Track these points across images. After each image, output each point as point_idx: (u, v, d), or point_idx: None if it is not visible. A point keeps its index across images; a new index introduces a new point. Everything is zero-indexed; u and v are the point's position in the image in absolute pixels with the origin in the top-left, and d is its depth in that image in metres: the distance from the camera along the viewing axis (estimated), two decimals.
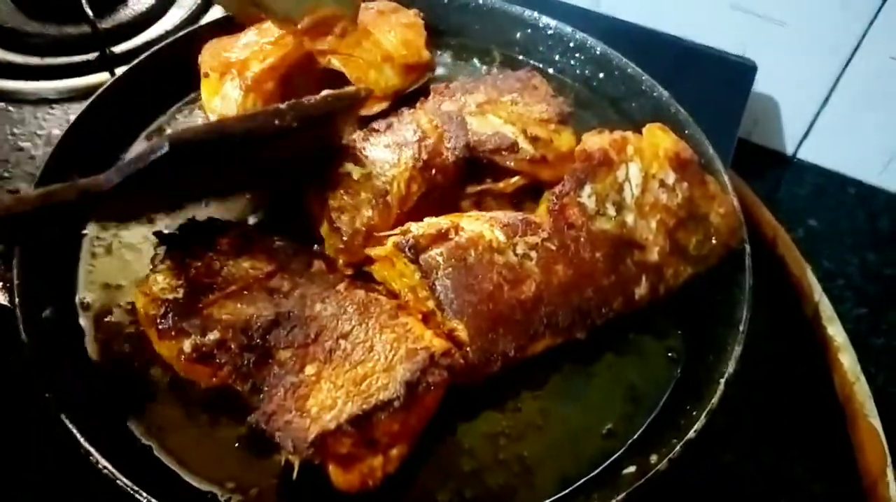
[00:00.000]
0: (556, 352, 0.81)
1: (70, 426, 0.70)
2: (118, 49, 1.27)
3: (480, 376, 0.77)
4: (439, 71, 1.17)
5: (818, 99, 1.28)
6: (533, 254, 0.80)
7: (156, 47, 1.09)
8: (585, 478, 0.75)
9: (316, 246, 0.88)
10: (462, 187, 0.94)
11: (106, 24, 1.30)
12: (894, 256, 1.23)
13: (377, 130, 0.91)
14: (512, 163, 0.93)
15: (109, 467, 0.68)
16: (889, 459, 0.92)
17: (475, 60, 1.21)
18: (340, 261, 0.84)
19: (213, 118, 0.95)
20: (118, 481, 0.67)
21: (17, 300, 0.80)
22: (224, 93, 0.95)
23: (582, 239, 0.82)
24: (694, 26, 1.28)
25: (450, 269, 0.77)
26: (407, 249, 0.78)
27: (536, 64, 1.19)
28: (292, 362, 0.72)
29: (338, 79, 1.02)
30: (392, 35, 1.04)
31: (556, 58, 1.20)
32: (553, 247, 0.81)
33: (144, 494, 0.67)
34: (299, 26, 0.99)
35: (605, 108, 1.14)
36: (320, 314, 0.76)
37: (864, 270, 1.20)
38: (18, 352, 0.76)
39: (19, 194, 0.72)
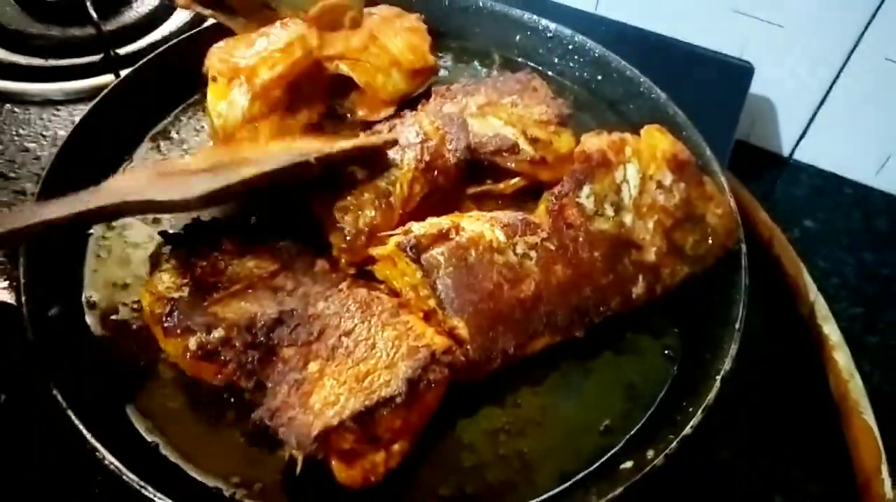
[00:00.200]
0: (556, 350, 0.83)
1: (76, 422, 0.71)
2: (123, 51, 1.28)
3: (481, 373, 0.78)
4: (440, 73, 1.18)
5: (815, 100, 1.29)
6: (532, 253, 0.81)
7: (160, 49, 1.10)
8: (584, 473, 0.76)
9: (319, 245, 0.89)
10: (463, 188, 0.95)
11: (110, 26, 1.31)
12: (890, 256, 1.24)
13: (380, 132, 0.92)
14: (512, 165, 0.95)
15: (115, 463, 0.69)
16: (884, 457, 0.92)
17: (476, 63, 1.22)
18: (343, 261, 0.85)
19: (216, 122, 0.96)
20: (124, 477, 0.68)
21: (23, 299, 0.81)
22: (231, 98, 0.95)
23: (580, 239, 0.83)
24: (691, 29, 1.29)
25: (451, 269, 0.78)
26: (409, 249, 0.79)
27: (536, 66, 1.21)
28: (296, 359, 0.73)
29: (345, 86, 1.04)
30: (398, 40, 1.05)
31: (556, 60, 1.21)
32: (552, 247, 0.82)
33: (150, 489, 0.67)
34: (309, 14, 1.00)
35: (603, 109, 1.15)
36: (323, 312, 0.77)
37: (860, 270, 1.21)
38: (25, 350, 0.77)
39: (42, 210, 0.75)
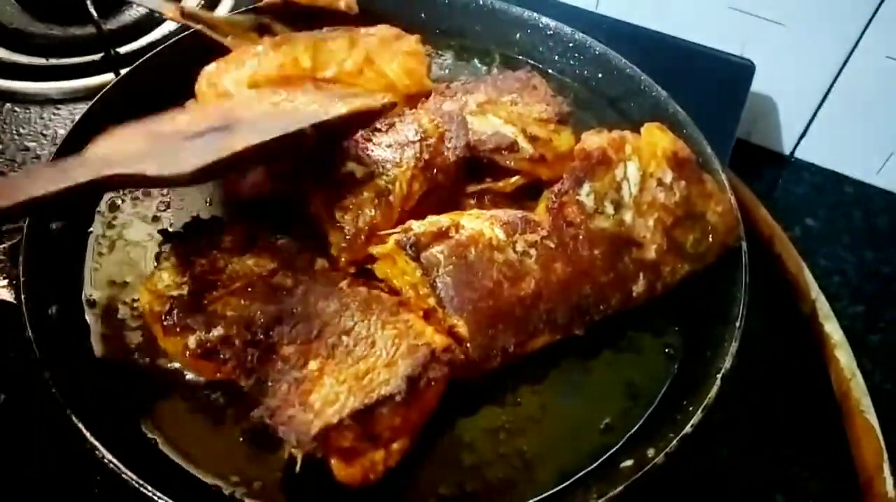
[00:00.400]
0: (556, 349, 0.82)
1: (76, 421, 0.71)
2: (123, 50, 1.28)
3: (480, 372, 0.78)
4: (440, 72, 1.18)
5: (816, 98, 1.29)
6: (532, 251, 0.81)
7: (160, 48, 1.10)
8: (584, 472, 0.76)
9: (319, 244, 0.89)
10: (463, 186, 0.95)
11: (111, 25, 1.32)
12: (892, 254, 1.24)
13: (379, 130, 0.92)
14: (512, 163, 0.94)
15: (115, 461, 0.69)
16: (885, 455, 0.92)
17: (475, 61, 1.22)
18: (343, 260, 0.85)
19: None
20: (123, 475, 0.68)
21: (23, 297, 0.81)
22: None
23: (580, 237, 0.83)
24: (692, 26, 1.29)
25: (450, 267, 0.78)
26: (408, 247, 0.79)
27: (536, 64, 1.20)
28: (295, 358, 0.73)
29: None
30: (395, 64, 1.04)
31: (556, 58, 1.21)
32: (552, 245, 0.82)
33: (150, 488, 0.67)
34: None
35: (603, 107, 1.15)
36: (323, 311, 0.77)
37: (862, 268, 1.21)
38: (24, 349, 0.77)
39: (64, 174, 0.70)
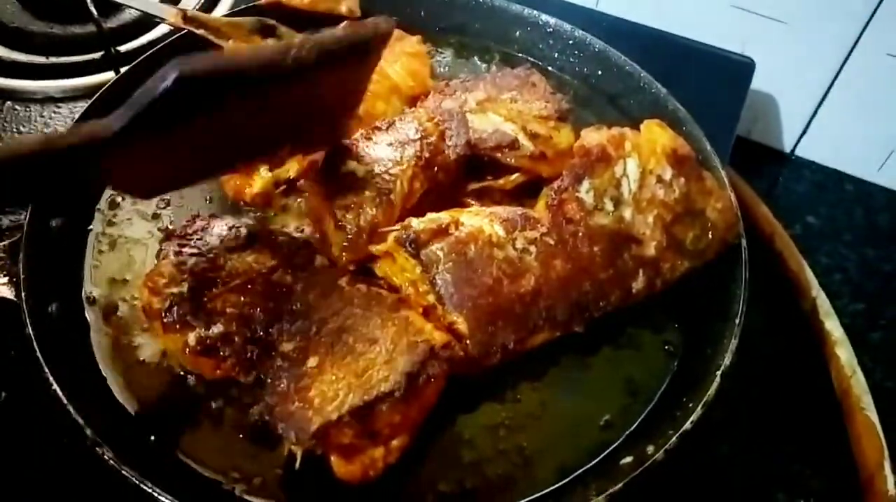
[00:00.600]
0: (555, 345, 0.83)
1: (76, 417, 0.71)
2: (123, 48, 1.28)
3: (480, 368, 0.78)
4: (440, 70, 1.18)
5: (816, 96, 1.29)
6: (532, 248, 0.81)
7: (159, 46, 1.10)
8: (584, 468, 0.76)
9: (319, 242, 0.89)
10: (463, 184, 0.95)
11: (111, 23, 1.31)
12: (892, 252, 1.23)
13: (379, 129, 0.92)
14: (512, 160, 0.94)
15: (115, 458, 0.69)
16: (886, 452, 0.92)
17: (475, 58, 1.22)
18: (344, 258, 0.85)
19: None
20: (123, 471, 0.68)
21: (23, 294, 0.81)
22: None
23: (580, 233, 0.83)
24: (692, 24, 1.29)
25: (450, 264, 0.78)
26: (408, 244, 0.79)
27: (536, 61, 1.20)
28: (295, 354, 0.73)
29: None
30: (398, 66, 1.04)
31: (556, 55, 1.21)
32: (552, 242, 0.82)
33: (150, 484, 0.68)
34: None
35: (603, 104, 1.15)
36: (322, 308, 0.77)
37: (862, 266, 1.21)
38: (24, 346, 0.77)
39: (17, 140, 0.63)
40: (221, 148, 0.74)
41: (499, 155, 0.94)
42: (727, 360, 0.80)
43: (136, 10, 1.21)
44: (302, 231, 0.89)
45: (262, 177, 0.93)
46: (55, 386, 0.73)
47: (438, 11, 1.22)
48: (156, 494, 0.67)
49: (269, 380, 0.73)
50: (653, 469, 0.72)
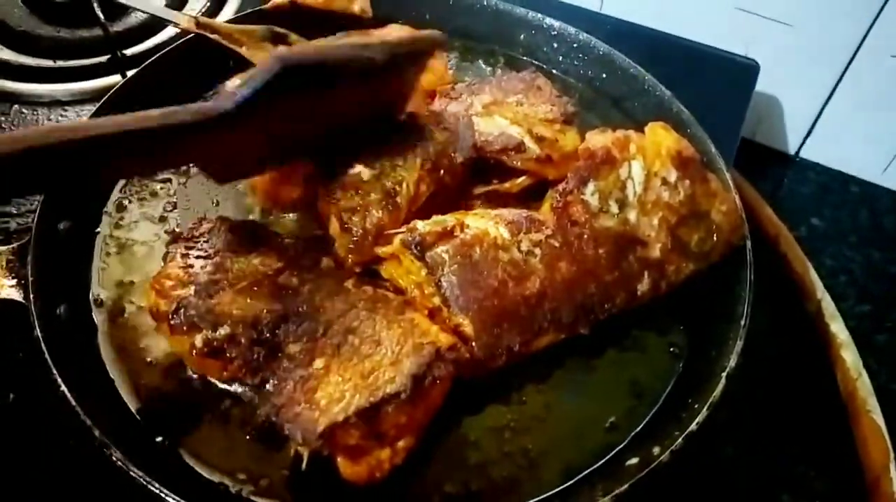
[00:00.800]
0: (561, 347, 0.83)
1: (84, 418, 0.72)
2: (129, 52, 1.29)
3: (485, 370, 0.78)
4: None
5: (821, 98, 1.29)
6: (537, 250, 0.81)
7: (166, 50, 1.11)
8: (589, 470, 0.76)
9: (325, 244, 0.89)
10: (469, 188, 0.95)
11: (117, 27, 1.32)
12: None
13: (387, 131, 0.92)
14: (518, 163, 0.95)
15: (123, 459, 0.69)
16: (892, 455, 0.92)
17: (480, 62, 1.23)
18: (350, 260, 0.86)
19: None
20: (131, 472, 0.69)
21: (31, 297, 0.81)
22: None
23: (585, 236, 0.83)
24: (697, 26, 1.29)
25: (455, 266, 0.78)
26: (413, 246, 0.79)
27: (540, 65, 1.21)
28: (301, 356, 0.74)
29: None
30: None
31: (560, 58, 1.21)
32: (557, 244, 0.82)
33: (157, 485, 0.68)
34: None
35: (608, 107, 1.16)
36: (329, 309, 0.77)
37: (868, 268, 1.21)
38: (33, 348, 0.77)
39: (137, 114, 0.69)
40: (291, 139, 0.82)
41: (505, 158, 0.94)
42: (732, 362, 0.80)
43: (151, 14, 1.22)
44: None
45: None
46: (63, 388, 0.74)
47: (443, 15, 1.23)
48: (163, 495, 0.67)
49: (275, 382, 0.73)
50: (658, 470, 0.72)
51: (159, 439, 0.76)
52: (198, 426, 0.77)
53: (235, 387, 0.78)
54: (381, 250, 0.83)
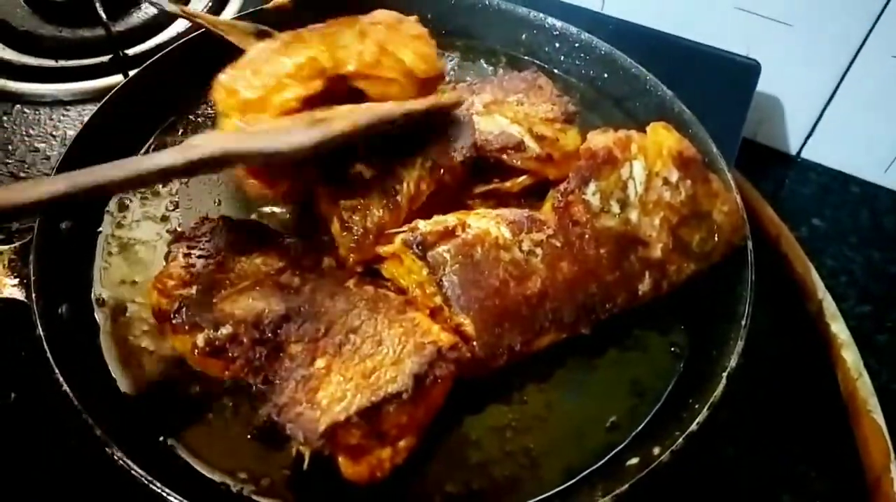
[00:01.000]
0: (562, 347, 0.83)
1: (86, 417, 0.72)
2: (131, 51, 1.30)
3: (487, 370, 0.78)
4: (446, 73, 1.18)
5: (822, 98, 1.29)
6: (538, 250, 0.81)
7: (167, 49, 1.11)
8: (590, 470, 0.77)
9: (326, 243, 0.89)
10: (470, 187, 0.95)
11: (119, 27, 1.33)
12: None
13: (387, 131, 0.92)
14: (518, 162, 0.95)
15: (125, 459, 0.69)
16: (893, 455, 0.92)
17: (482, 61, 1.23)
18: (351, 259, 0.86)
19: None
20: (133, 471, 0.69)
21: (33, 296, 0.81)
22: None
23: (586, 236, 0.83)
24: (698, 27, 1.29)
25: (457, 266, 0.78)
26: (415, 246, 0.79)
27: (542, 64, 1.21)
28: (303, 356, 0.74)
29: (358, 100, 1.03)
30: (408, 51, 1.03)
31: (562, 58, 1.21)
32: (558, 244, 0.82)
33: (158, 484, 0.68)
34: None
35: (609, 107, 1.15)
36: (330, 309, 0.77)
37: (869, 268, 1.21)
38: (35, 347, 0.78)
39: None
40: None
41: (505, 156, 0.94)
42: (733, 362, 0.80)
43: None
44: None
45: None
46: (65, 387, 0.74)
47: (445, 15, 1.23)
48: (164, 494, 0.68)
49: (277, 381, 0.73)
50: (659, 470, 0.72)
51: (161, 438, 0.76)
52: (199, 425, 0.77)
53: (237, 387, 0.78)
54: (383, 249, 0.83)
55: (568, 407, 0.81)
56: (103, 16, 1.26)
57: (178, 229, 0.91)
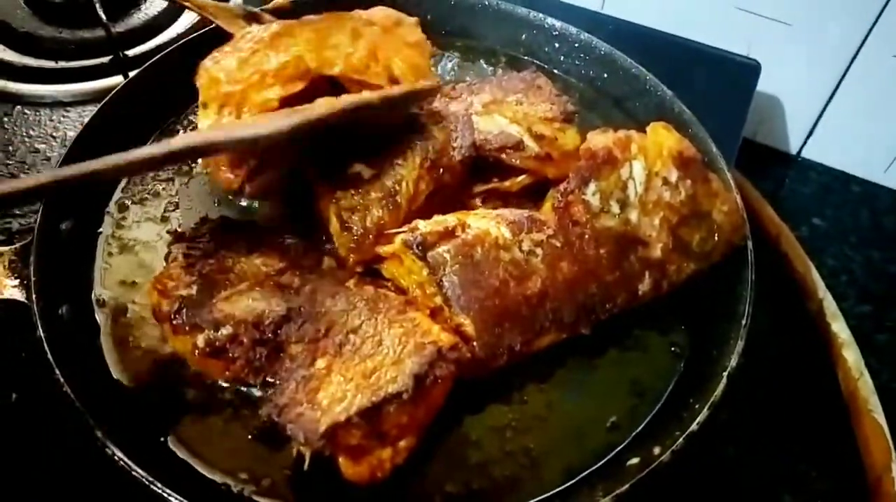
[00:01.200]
0: (562, 347, 0.83)
1: (87, 419, 0.72)
2: (132, 52, 1.30)
3: (487, 370, 0.78)
4: (446, 73, 1.19)
5: (822, 98, 1.29)
6: (538, 250, 0.81)
7: (168, 50, 1.11)
8: (590, 470, 0.76)
9: (326, 244, 0.90)
10: (469, 187, 0.95)
11: (119, 28, 1.33)
12: None
13: (386, 130, 0.92)
14: (517, 162, 0.95)
15: (125, 459, 0.69)
16: (894, 455, 0.92)
17: (481, 61, 1.23)
18: (351, 260, 0.86)
19: None
20: (133, 472, 0.69)
21: (34, 297, 0.81)
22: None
23: (586, 236, 0.83)
24: (698, 26, 1.29)
25: (457, 266, 0.78)
26: (415, 246, 0.79)
27: (542, 64, 1.21)
28: (303, 356, 0.74)
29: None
30: (399, 59, 1.02)
31: (562, 58, 1.21)
32: (558, 244, 0.82)
33: (159, 485, 0.68)
34: None
35: (609, 107, 1.16)
36: (330, 309, 0.77)
37: (869, 268, 1.21)
38: (35, 348, 0.78)
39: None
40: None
41: (504, 156, 0.94)
42: (733, 362, 0.80)
43: None
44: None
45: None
46: (66, 388, 0.74)
47: (445, 15, 1.23)
48: (165, 495, 0.68)
49: (277, 382, 0.73)
50: (659, 470, 0.72)
51: (161, 439, 0.76)
52: (200, 426, 0.77)
53: (237, 387, 0.78)
54: (383, 250, 0.83)
55: (568, 407, 0.81)
56: (103, 17, 1.27)
57: (178, 230, 0.91)
